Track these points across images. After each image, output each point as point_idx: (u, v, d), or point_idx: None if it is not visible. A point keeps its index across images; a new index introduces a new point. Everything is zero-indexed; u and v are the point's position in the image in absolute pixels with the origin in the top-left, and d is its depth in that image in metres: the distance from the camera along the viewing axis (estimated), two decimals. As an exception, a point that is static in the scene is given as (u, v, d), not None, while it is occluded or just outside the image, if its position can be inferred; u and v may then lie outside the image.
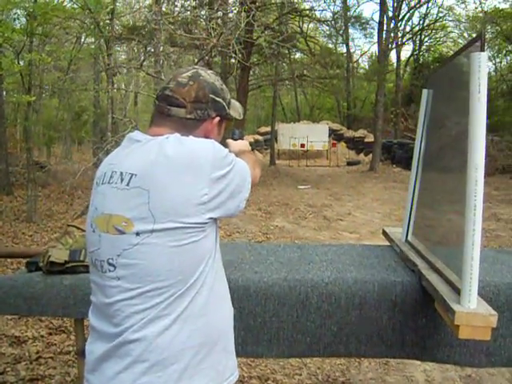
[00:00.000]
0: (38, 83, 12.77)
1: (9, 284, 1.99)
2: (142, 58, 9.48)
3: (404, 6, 24.71)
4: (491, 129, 21.04)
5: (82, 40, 17.24)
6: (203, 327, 1.27)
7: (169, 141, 1.27)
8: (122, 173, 1.27)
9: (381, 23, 20.88)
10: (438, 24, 27.51)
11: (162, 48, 8.97)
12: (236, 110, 1.53)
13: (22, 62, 9.28)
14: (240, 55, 7.84)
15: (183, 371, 1.23)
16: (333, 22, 23.13)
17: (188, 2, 14.23)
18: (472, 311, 1.45)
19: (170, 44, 12.44)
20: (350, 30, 29.17)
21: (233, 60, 11.42)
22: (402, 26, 25.71)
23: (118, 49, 18.53)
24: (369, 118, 27.61)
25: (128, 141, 1.36)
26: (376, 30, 23.04)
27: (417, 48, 29.51)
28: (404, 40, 26.96)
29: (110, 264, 1.25)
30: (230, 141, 1.73)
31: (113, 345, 1.24)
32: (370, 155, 21.20)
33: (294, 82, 21.72)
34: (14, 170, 13.25)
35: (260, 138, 26.80)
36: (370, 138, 23.20)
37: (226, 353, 1.36)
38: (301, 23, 21.34)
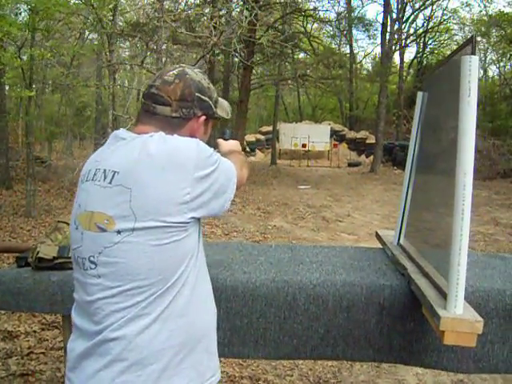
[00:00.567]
0: (40, 78, 12.79)
1: (-4, 279, 1.99)
2: (144, 55, 9.46)
3: (408, 7, 24.74)
4: (493, 133, 21.04)
5: (85, 36, 17.24)
6: (184, 327, 1.26)
7: (153, 139, 1.26)
8: (105, 170, 1.26)
9: (384, 25, 20.87)
10: (442, 26, 27.52)
11: (164, 46, 8.96)
12: (224, 109, 1.51)
13: (24, 57, 9.29)
14: (241, 54, 7.82)
15: (163, 371, 1.22)
16: (336, 22, 23.09)
17: (192, 0, 14.25)
18: (458, 317, 1.44)
19: (173, 41, 12.44)
20: (354, 31, 29.21)
21: (236, 59, 11.40)
22: (406, 28, 25.75)
23: (122, 45, 18.52)
24: (371, 120, 27.62)
25: (113, 138, 1.35)
26: (380, 32, 23.01)
27: (420, 50, 29.53)
28: (408, 42, 26.98)
29: (91, 262, 1.24)
30: (220, 141, 1.72)
31: (93, 343, 1.23)
32: (372, 157, 21.19)
33: (296, 81, 21.68)
34: (14, 165, 13.27)
35: (262, 137, 26.81)
36: (372, 140, 23.19)
37: (207, 353, 1.35)
38: (305, 23, 21.30)
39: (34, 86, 10.86)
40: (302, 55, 24.06)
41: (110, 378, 1.20)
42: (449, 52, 28.42)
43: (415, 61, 30.21)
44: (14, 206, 9.40)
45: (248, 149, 24.81)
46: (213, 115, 1.44)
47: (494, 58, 27.91)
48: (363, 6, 48.95)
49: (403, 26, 24.51)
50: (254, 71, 18.91)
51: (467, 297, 1.74)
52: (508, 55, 25.37)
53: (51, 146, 18.51)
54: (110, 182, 1.23)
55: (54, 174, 13.54)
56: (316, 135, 24.33)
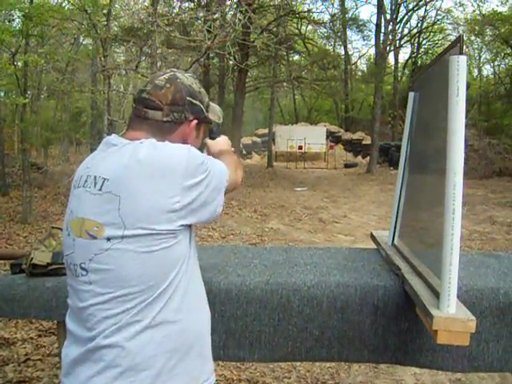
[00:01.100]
0: (35, 84, 12.77)
1: (-10, 286, 1.98)
2: (138, 59, 9.45)
3: (402, 8, 24.80)
4: (489, 132, 21.11)
5: (80, 41, 17.23)
6: (176, 333, 1.26)
7: (143, 146, 1.25)
8: (95, 177, 1.26)
9: (378, 26, 20.93)
10: (436, 27, 27.60)
11: (159, 50, 8.96)
12: (215, 113, 1.51)
13: (19, 63, 9.28)
14: (235, 57, 7.82)
15: (156, 377, 1.22)
16: (330, 23, 23.14)
17: (186, 4, 14.26)
18: (450, 316, 1.44)
19: (167, 46, 12.44)
20: (348, 33, 29.28)
21: (230, 62, 11.42)
22: (400, 29, 25.82)
23: (117, 50, 18.52)
24: (367, 121, 27.67)
25: (104, 145, 1.35)
26: (374, 33, 23.08)
27: (415, 50, 29.62)
28: (402, 42, 27.07)
29: (82, 268, 1.25)
30: (208, 141, 1.69)
31: (86, 349, 1.23)
32: (368, 157, 21.23)
33: (291, 83, 21.73)
34: (10, 171, 13.24)
35: (258, 139, 26.85)
36: (368, 141, 23.24)
37: (201, 358, 1.34)
38: (299, 25, 21.35)
39: (28, 92, 10.87)
40: (296, 57, 24.12)
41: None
42: (443, 52, 28.59)
43: (410, 61, 30.31)
44: (11, 212, 9.38)
45: (244, 151, 24.82)
46: (204, 119, 1.44)
47: (488, 57, 28.01)
48: (357, 8, 49.17)
49: (397, 27, 24.61)
50: (248, 74, 18.95)
51: (461, 296, 1.74)
52: (502, 54, 25.47)
53: (47, 151, 18.50)
54: (100, 189, 1.23)
55: (50, 179, 13.52)
56: (312, 137, 24.37)
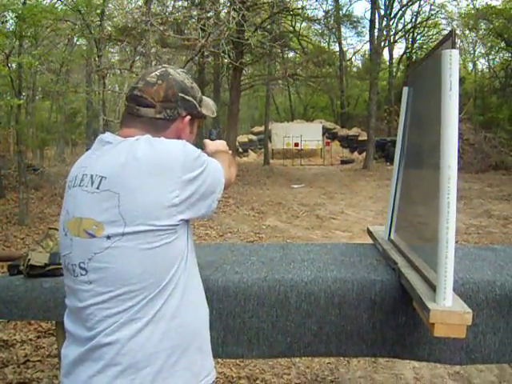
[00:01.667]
0: (30, 85, 12.75)
1: (-12, 288, 1.98)
2: (132, 59, 9.44)
3: (396, 3, 24.80)
4: (484, 125, 21.13)
5: (74, 42, 17.19)
6: (176, 329, 1.26)
7: (139, 143, 1.25)
8: (92, 176, 1.26)
9: (372, 21, 20.93)
10: (430, 22, 27.61)
11: (153, 49, 8.95)
12: (209, 108, 1.51)
13: (14, 65, 9.25)
14: (230, 55, 7.82)
15: (157, 374, 1.22)
16: (325, 20, 23.13)
17: (180, 3, 14.23)
18: (447, 309, 1.45)
19: (162, 45, 12.42)
20: (343, 29, 29.24)
21: (225, 60, 11.41)
22: (394, 24, 25.81)
23: (112, 50, 18.48)
24: (362, 117, 27.70)
25: (99, 143, 1.35)
26: (368, 29, 23.09)
27: (409, 46, 29.60)
28: (396, 38, 27.08)
29: (81, 268, 1.24)
30: (207, 141, 1.71)
31: (86, 348, 1.23)
32: (364, 153, 21.25)
33: (286, 81, 21.72)
34: (6, 173, 13.22)
35: (254, 137, 26.82)
36: (364, 137, 23.25)
37: (201, 353, 1.35)
38: (293, 22, 21.35)
39: (23, 93, 10.83)
40: (291, 54, 24.11)
41: (105, 382, 1.20)
42: (437, 47, 28.60)
43: (404, 56, 30.29)
44: (7, 214, 9.36)
45: (240, 149, 24.81)
46: (198, 115, 1.44)
47: (482, 51, 28.04)
48: (351, 4, 49.00)
49: (391, 22, 24.61)
50: (243, 72, 18.93)
51: (457, 289, 1.75)
52: (496, 48, 25.50)
53: (43, 153, 18.47)
54: (98, 188, 1.23)
55: (46, 181, 13.48)
56: (308, 134, 24.37)
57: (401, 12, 26.49)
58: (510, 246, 2.56)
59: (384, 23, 21.87)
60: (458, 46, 1.51)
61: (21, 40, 8.88)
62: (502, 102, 23.02)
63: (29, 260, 1.99)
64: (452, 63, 1.40)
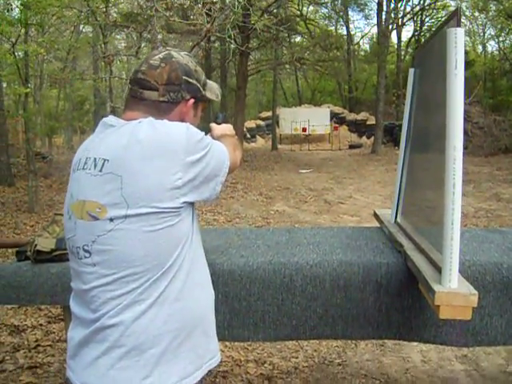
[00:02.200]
0: (37, 74, 12.74)
1: (-3, 274, 2.00)
2: (138, 45, 9.41)
3: (404, -15, 24.43)
4: (494, 108, 20.90)
5: (80, 29, 17.14)
6: (181, 311, 1.27)
7: (141, 125, 1.25)
8: (95, 159, 1.26)
9: (380, 4, 20.67)
10: (438, 3, 27.15)
11: (159, 35, 8.91)
12: (213, 91, 1.50)
13: (20, 53, 9.24)
14: (236, 40, 7.76)
15: (161, 355, 1.23)
16: (332, 3, 22.87)
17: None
18: (452, 291, 1.44)
19: (168, 30, 12.36)
20: (350, 12, 28.93)
21: (232, 45, 11.33)
22: (402, 7, 25.41)
23: (118, 36, 18.43)
24: (371, 101, 27.45)
25: (102, 126, 1.35)
26: (376, 11, 22.80)
27: (418, 28, 29.20)
28: (404, 20, 26.71)
29: (85, 250, 1.25)
30: (213, 124, 1.70)
31: (91, 330, 1.25)
32: (372, 138, 21.13)
33: (294, 65, 21.55)
34: (15, 162, 13.29)
35: (261, 123, 26.75)
36: (372, 121, 23.10)
37: (206, 336, 1.36)
38: (300, 6, 21.11)
39: (30, 82, 10.83)
40: (298, 39, 23.90)
41: (109, 364, 1.21)
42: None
43: (413, 39, 29.91)
44: (17, 202, 9.42)
45: (248, 135, 24.76)
46: (201, 98, 1.43)
47: (492, 33, 27.64)
48: (359, -14, 48.45)
49: (399, 5, 24.22)
50: (250, 57, 18.81)
51: (464, 271, 1.75)
52: (507, 30, 25.11)
53: (51, 141, 18.52)
54: (101, 170, 1.23)
55: (55, 169, 13.53)
56: (316, 119, 24.24)
57: (409, -6, 26.12)
58: (517, 229, 2.54)
59: (392, 5, 21.61)
60: (463, 24, 1.49)
61: (27, 28, 8.85)
62: (512, 85, 22.74)
63: (35, 246, 2.00)
64: (457, 42, 1.38)
